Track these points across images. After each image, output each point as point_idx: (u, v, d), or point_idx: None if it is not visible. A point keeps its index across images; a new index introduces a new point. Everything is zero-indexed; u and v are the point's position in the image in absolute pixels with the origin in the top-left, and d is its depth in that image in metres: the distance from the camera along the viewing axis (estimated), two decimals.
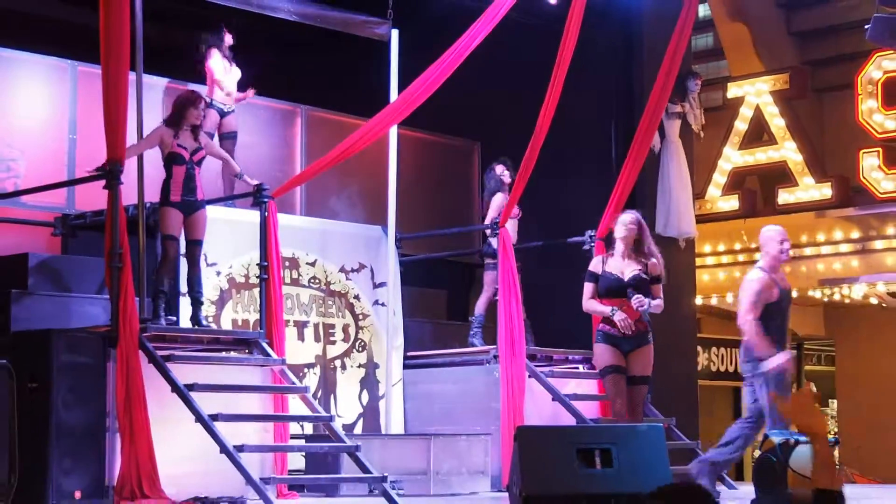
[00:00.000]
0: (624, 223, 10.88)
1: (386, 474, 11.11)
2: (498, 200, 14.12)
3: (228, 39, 13.87)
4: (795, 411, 5.35)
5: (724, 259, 19.66)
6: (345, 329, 14.28)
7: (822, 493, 4.99)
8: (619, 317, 10.63)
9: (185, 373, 10.80)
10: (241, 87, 14.05)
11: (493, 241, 13.94)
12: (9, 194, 13.11)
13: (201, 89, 13.60)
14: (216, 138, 13.52)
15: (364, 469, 11.14)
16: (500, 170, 14.30)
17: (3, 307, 11.47)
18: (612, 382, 10.82)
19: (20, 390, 8.29)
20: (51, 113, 13.93)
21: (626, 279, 10.71)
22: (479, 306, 14.54)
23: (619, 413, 10.79)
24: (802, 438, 8.66)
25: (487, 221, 14.14)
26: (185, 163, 11.57)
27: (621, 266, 10.75)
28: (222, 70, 13.82)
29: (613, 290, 10.71)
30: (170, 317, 11.87)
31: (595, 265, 10.93)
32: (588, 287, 10.84)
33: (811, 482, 5.08)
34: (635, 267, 10.78)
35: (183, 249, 11.92)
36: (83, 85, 13.65)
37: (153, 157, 11.99)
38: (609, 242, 11.05)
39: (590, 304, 10.87)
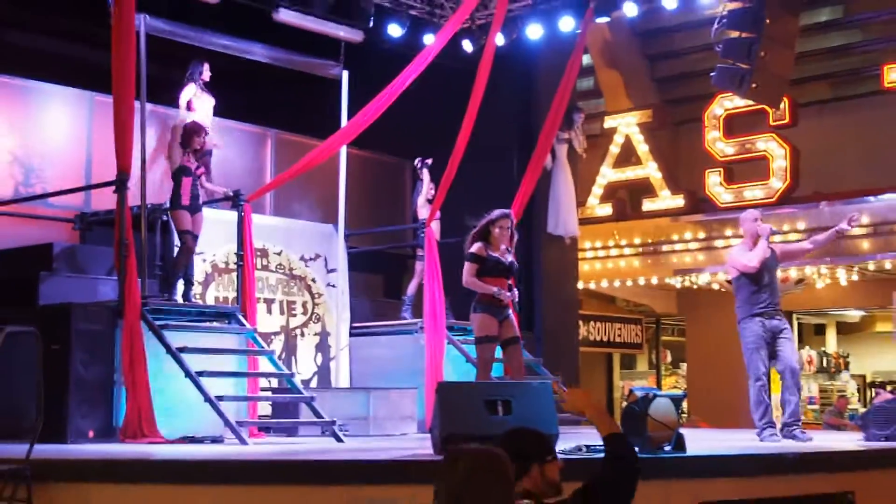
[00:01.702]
0: (506, 224, 10.42)
1: (335, 419, 11.14)
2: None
3: (206, 73, 13.74)
4: (569, 405, 5.40)
5: (600, 253, 19.76)
6: (304, 305, 14.27)
7: (610, 437, 5.10)
8: (506, 296, 10.26)
9: (177, 338, 10.78)
10: (215, 112, 13.97)
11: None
12: (38, 196, 13.07)
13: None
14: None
15: (318, 415, 11.14)
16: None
17: (33, 286, 11.41)
18: (490, 350, 10.43)
19: (46, 352, 8.20)
20: (72, 132, 13.85)
21: (507, 263, 10.45)
22: (411, 289, 14.57)
23: (487, 376, 10.42)
24: (659, 392, 8.75)
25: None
26: (191, 175, 11.83)
27: (499, 254, 10.37)
28: (192, 97, 13.68)
29: (500, 270, 10.30)
30: (164, 293, 11.88)
31: (479, 250, 10.28)
32: (473, 267, 10.23)
33: (600, 433, 5.17)
34: (509, 256, 10.58)
35: (178, 241, 12.02)
36: (98, 111, 13.56)
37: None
38: (484, 234, 10.68)
39: (474, 280, 10.24)
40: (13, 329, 8.11)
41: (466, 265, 10.35)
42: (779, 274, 11.17)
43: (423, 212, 14.24)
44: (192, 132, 12.08)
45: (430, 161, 14.45)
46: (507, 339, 10.48)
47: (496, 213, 10.58)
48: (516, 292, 10.54)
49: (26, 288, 11.43)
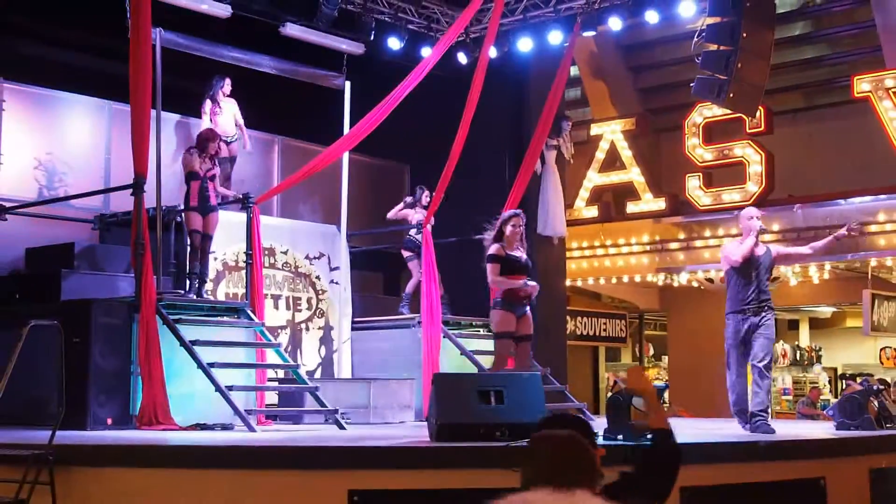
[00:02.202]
0: (518, 222, 10.47)
1: (337, 408, 11.18)
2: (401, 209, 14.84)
3: (227, 87, 13.89)
4: (632, 381, 5.39)
5: (587, 252, 19.75)
6: (308, 301, 14.29)
7: (658, 430, 5.04)
8: (531, 285, 10.33)
9: (190, 332, 10.82)
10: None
11: (416, 238, 14.17)
12: (61, 198, 13.12)
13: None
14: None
15: (321, 404, 11.19)
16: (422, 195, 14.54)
17: (56, 282, 11.44)
18: (507, 346, 10.45)
19: (67, 344, 8.24)
20: (92, 139, 13.88)
21: (523, 261, 10.50)
22: (409, 286, 14.60)
23: (502, 369, 10.39)
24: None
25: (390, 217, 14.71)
26: (199, 179, 11.87)
27: (515, 252, 10.43)
28: (209, 114, 13.84)
29: (519, 268, 10.36)
30: (178, 290, 11.91)
31: (498, 250, 10.33)
32: (497, 267, 10.28)
33: (648, 424, 5.11)
34: (523, 253, 10.64)
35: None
36: (116, 119, 13.65)
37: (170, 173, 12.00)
38: (498, 235, 10.50)
39: (500, 279, 10.29)
40: (37, 323, 8.15)
41: (489, 266, 10.40)
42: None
43: (413, 216, 14.52)
44: (206, 139, 12.12)
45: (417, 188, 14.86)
46: (522, 335, 10.51)
47: (507, 213, 10.69)
48: (537, 286, 10.53)
49: (49, 284, 11.48)
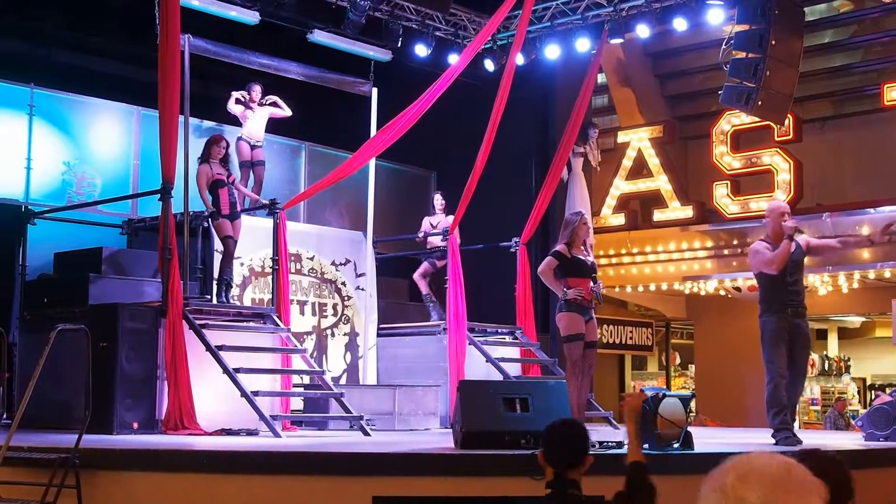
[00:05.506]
0: (587, 224, 10.40)
1: (362, 414, 11.18)
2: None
3: (255, 93, 13.85)
4: (628, 405, 5.36)
5: (614, 260, 19.67)
6: (334, 307, 14.33)
7: (633, 463, 5.04)
8: (599, 287, 10.11)
9: (216, 337, 10.86)
10: (268, 127, 14.13)
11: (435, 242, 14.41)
12: (89, 203, 13.22)
13: (232, 130, 13.81)
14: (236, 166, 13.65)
15: (346, 410, 11.21)
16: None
17: (83, 287, 11.49)
18: (577, 349, 10.01)
19: (94, 348, 8.29)
20: (121, 144, 14.02)
21: (589, 263, 10.27)
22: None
23: (576, 374, 10.06)
24: (669, 392, 8.73)
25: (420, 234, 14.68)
26: (225, 185, 11.92)
27: (581, 255, 10.17)
28: (240, 113, 13.85)
29: (585, 271, 10.11)
30: (205, 295, 11.96)
31: (563, 249, 10.07)
32: (553, 261, 10.05)
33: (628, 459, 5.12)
34: (589, 257, 10.54)
35: (219, 246, 12.11)
36: (145, 124, 13.76)
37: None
38: (568, 236, 10.14)
39: (547, 276, 10.06)
40: (65, 327, 8.20)
41: (546, 259, 10.21)
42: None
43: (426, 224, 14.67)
44: (210, 143, 12.22)
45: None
46: (588, 341, 10.17)
47: (574, 215, 10.54)
48: (601, 284, 10.42)
49: (77, 288, 11.54)
